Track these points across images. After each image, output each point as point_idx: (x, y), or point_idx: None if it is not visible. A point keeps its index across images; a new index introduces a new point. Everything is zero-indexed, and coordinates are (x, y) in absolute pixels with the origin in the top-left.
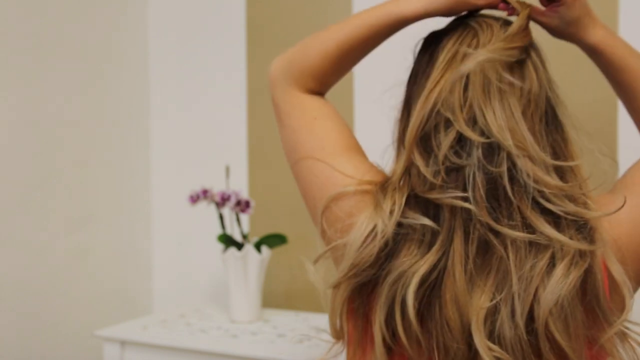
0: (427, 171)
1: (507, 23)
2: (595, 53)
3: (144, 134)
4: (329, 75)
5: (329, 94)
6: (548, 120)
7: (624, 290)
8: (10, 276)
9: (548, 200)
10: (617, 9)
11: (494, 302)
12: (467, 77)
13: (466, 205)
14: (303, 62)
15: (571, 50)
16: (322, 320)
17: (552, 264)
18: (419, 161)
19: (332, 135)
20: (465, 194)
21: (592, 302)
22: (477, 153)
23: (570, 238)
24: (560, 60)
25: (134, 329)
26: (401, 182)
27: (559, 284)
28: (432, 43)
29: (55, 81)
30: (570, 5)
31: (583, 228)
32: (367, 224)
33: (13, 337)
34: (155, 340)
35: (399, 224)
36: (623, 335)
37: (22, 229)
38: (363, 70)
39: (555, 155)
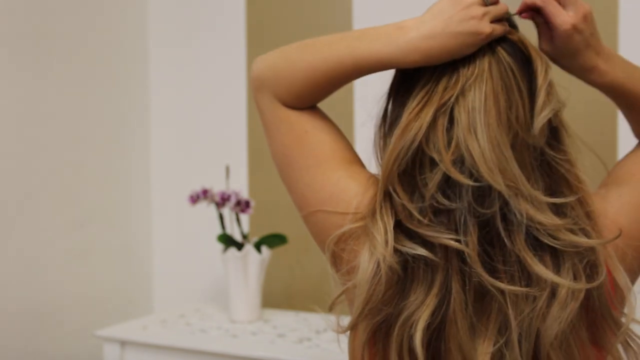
0: (412, 207)
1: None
2: (602, 89)
3: (144, 134)
4: (316, 98)
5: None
6: (544, 146)
7: (628, 296)
8: (10, 276)
9: (545, 235)
10: (617, 9)
11: (497, 346)
12: (452, 112)
13: (461, 247)
14: (286, 84)
15: None
16: (322, 321)
17: (549, 302)
18: (402, 195)
19: (327, 149)
20: (459, 237)
21: (598, 315)
22: (468, 196)
23: (569, 271)
24: None
25: (134, 329)
26: (383, 207)
27: (556, 320)
28: None
29: (55, 81)
30: (566, 39)
31: (585, 256)
32: (369, 261)
33: (13, 336)
34: (155, 340)
35: (398, 252)
36: (626, 343)
37: (22, 229)
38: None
39: (551, 188)
